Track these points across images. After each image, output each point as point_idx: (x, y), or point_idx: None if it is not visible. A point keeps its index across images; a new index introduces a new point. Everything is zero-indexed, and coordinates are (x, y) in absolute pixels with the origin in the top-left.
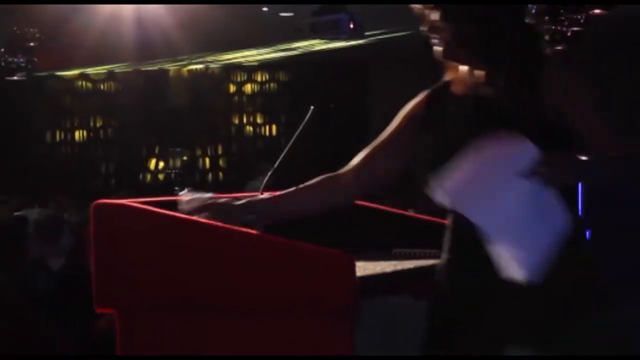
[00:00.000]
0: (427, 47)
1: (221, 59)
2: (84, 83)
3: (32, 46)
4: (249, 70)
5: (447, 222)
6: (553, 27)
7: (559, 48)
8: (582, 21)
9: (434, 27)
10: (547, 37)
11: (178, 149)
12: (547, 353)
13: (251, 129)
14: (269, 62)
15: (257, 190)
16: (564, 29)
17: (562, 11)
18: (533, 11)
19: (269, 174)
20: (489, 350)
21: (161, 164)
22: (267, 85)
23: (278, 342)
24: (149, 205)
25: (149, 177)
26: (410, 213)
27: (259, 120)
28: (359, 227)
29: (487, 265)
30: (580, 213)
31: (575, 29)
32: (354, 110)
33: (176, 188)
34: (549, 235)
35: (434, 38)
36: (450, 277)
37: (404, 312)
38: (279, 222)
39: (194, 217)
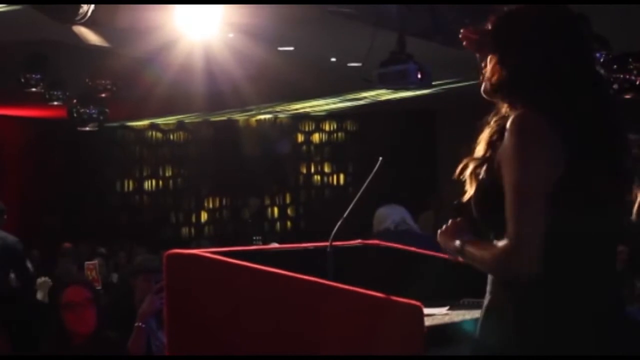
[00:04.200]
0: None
1: (289, 108)
2: (154, 133)
3: (104, 97)
4: (317, 119)
5: None
6: (621, 76)
7: (627, 97)
8: None
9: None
10: (615, 86)
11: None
12: None
13: (319, 178)
14: (337, 112)
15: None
16: (633, 77)
17: (630, 59)
18: (602, 60)
19: (339, 222)
20: None
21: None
22: (335, 135)
23: None
24: (221, 255)
25: (214, 227)
26: None
27: (326, 170)
28: (428, 276)
29: None
30: None
31: None
32: (421, 158)
33: (255, 238)
34: None
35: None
36: None
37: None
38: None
39: (263, 267)
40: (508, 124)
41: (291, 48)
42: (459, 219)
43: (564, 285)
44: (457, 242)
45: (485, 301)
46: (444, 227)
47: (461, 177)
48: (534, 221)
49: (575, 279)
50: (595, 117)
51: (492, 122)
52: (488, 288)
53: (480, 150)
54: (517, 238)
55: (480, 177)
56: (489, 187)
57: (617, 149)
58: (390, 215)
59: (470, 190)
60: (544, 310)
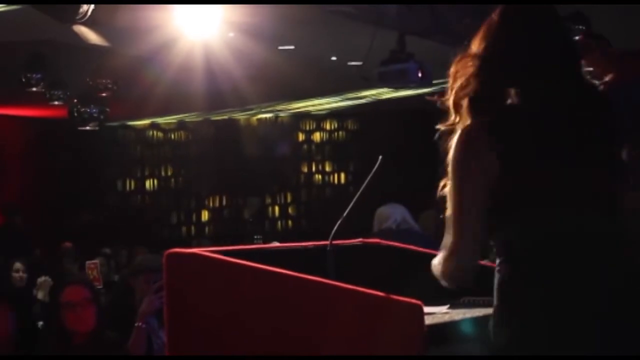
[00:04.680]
0: None
1: (290, 107)
2: (154, 132)
3: (105, 96)
4: (318, 118)
5: None
6: None
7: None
8: None
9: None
10: None
11: (249, 198)
12: None
13: (320, 177)
14: (338, 111)
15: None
16: None
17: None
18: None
19: (339, 221)
20: None
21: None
22: (336, 134)
23: None
24: (222, 254)
25: (216, 225)
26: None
27: (327, 169)
28: (429, 275)
29: None
30: None
31: None
32: (422, 157)
33: (256, 237)
34: None
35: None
36: None
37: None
38: None
39: (263, 266)
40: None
41: (291, 47)
42: None
43: (534, 286)
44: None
45: None
46: None
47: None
48: (468, 231)
49: (547, 279)
50: (559, 117)
51: None
52: None
53: None
54: (450, 247)
55: None
56: None
57: (597, 148)
58: (392, 214)
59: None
60: (514, 310)
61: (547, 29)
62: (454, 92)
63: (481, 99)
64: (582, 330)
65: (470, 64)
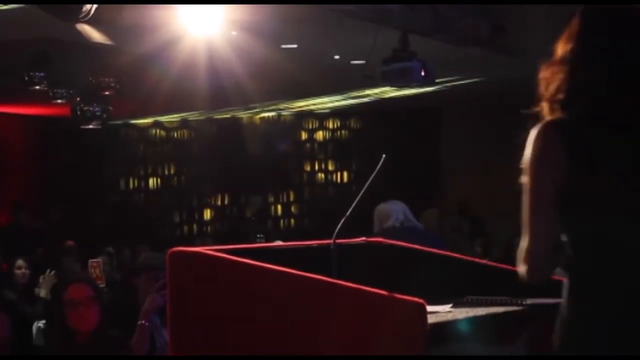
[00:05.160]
0: (498, 94)
1: (293, 106)
2: (157, 131)
3: (108, 95)
4: (321, 117)
5: None
6: None
7: None
8: None
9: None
10: None
11: (251, 196)
12: None
13: (323, 175)
14: (341, 110)
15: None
16: None
17: None
18: None
19: (343, 220)
20: None
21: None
22: (339, 133)
23: None
24: (224, 252)
25: (218, 224)
26: (483, 261)
27: (330, 167)
28: (432, 274)
29: None
30: None
31: None
32: (424, 156)
33: (259, 235)
34: None
35: None
36: None
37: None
38: None
39: (266, 264)
40: None
41: (294, 46)
42: None
43: (591, 288)
44: None
45: None
46: None
47: None
48: (540, 231)
49: (604, 282)
50: (634, 122)
51: None
52: None
53: None
54: (525, 249)
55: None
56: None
57: None
58: (392, 212)
59: None
60: (572, 309)
61: (626, 28)
62: (546, 99)
63: (573, 102)
64: (598, 332)
65: (557, 69)
